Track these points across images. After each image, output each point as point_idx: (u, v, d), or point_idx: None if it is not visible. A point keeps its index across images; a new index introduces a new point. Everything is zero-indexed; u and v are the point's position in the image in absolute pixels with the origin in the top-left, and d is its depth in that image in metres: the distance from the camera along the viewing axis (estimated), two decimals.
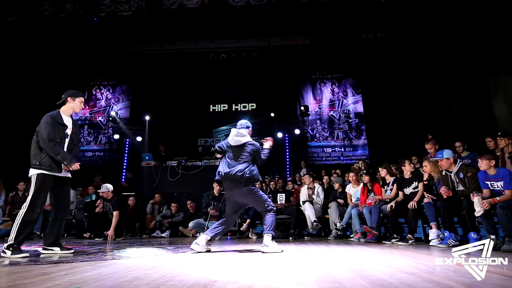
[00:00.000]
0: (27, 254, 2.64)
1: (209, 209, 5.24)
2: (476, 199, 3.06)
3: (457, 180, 3.61)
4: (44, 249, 2.90)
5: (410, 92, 8.67)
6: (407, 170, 4.29)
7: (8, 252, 2.57)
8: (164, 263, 2.15)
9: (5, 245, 2.63)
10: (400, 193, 4.28)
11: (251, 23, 8.72)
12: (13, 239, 2.61)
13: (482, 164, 3.23)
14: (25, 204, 2.69)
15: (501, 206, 2.91)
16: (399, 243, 3.79)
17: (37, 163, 2.74)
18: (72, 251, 2.93)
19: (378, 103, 9.14)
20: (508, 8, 6.81)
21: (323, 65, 10.00)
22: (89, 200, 6.31)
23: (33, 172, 2.75)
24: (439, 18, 7.90)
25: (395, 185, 4.42)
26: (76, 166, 2.83)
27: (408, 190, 4.20)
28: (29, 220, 2.69)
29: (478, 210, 3.02)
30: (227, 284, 1.40)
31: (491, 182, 3.21)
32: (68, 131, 2.92)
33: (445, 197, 3.55)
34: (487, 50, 7.70)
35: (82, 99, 3.06)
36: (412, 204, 3.85)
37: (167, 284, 1.41)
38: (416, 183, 4.14)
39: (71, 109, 2.98)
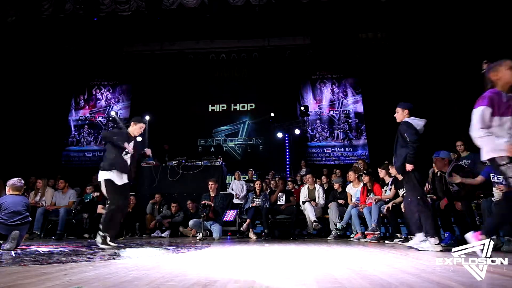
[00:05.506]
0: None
1: (201, 217, 5.01)
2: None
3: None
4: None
5: (410, 92, 8.65)
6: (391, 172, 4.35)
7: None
8: (164, 263, 2.14)
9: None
10: (396, 192, 4.31)
11: (251, 23, 8.72)
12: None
13: None
14: None
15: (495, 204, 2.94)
16: (399, 242, 3.80)
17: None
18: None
19: (378, 103, 9.12)
20: (507, 8, 6.81)
21: (323, 65, 10.00)
22: (88, 200, 6.29)
23: None
24: (439, 18, 7.89)
25: (393, 185, 4.43)
26: None
27: (402, 191, 4.22)
28: None
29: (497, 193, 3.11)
30: (227, 284, 1.40)
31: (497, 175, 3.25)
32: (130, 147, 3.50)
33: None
34: (487, 50, 7.69)
35: (142, 125, 3.68)
36: (387, 207, 4.02)
37: (167, 284, 1.41)
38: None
39: (132, 132, 3.63)
